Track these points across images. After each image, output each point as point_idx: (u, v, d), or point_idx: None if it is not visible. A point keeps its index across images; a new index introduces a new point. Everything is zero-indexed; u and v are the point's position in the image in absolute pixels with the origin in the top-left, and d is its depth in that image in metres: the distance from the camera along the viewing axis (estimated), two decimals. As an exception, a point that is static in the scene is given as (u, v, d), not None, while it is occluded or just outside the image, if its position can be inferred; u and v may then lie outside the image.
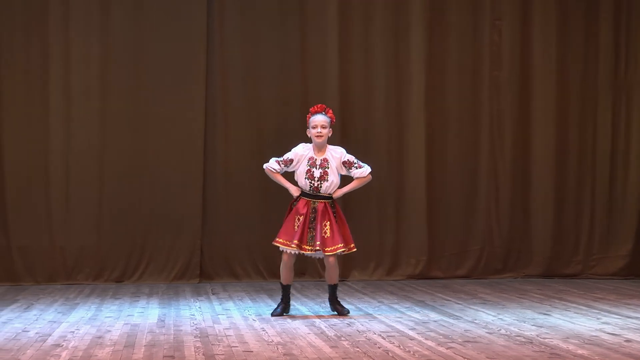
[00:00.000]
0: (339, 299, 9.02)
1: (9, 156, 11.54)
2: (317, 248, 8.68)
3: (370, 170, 8.89)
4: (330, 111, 8.93)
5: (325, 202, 8.78)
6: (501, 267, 12.21)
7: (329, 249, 8.71)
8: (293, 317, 8.72)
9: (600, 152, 12.33)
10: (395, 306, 9.47)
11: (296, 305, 9.51)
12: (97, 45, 11.65)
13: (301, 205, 8.76)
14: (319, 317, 8.74)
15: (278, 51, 11.92)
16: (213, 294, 10.62)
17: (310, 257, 8.96)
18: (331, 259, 8.77)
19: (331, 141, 11.86)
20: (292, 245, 8.69)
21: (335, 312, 8.90)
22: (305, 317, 8.74)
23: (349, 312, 8.90)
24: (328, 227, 8.71)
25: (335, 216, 8.77)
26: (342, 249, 8.75)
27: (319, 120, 8.80)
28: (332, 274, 8.87)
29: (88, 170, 11.66)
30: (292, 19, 11.93)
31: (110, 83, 11.69)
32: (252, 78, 11.90)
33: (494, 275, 12.15)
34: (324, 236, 8.69)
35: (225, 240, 11.82)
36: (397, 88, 12.09)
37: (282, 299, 8.92)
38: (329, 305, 9.03)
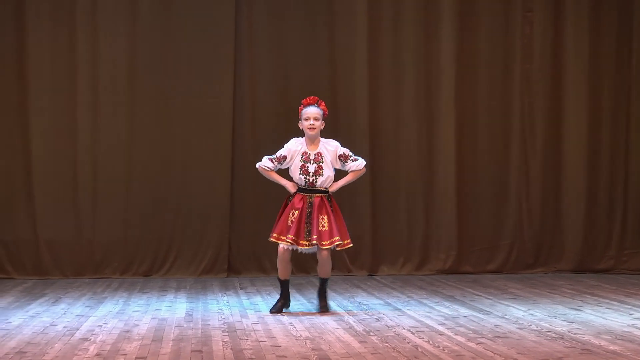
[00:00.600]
0: (326, 295, 8.87)
1: (36, 149, 11.57)
2: (314, 242, 8.54)
3: (365, 163, 8.80)
4: (323, 103, 8.79)
5: (321, 196, 8.66)
6: (532, 262, 12.12)
7: (325, 242, 8.58)
8: (322, 312, 8.66)
9: (633, 145, 12.20)
10: (425, 301, 9.41)
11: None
12: (125, 38, 11.66)
13: (297, 200, 8.64)
14: (348, 312, 8.68)
15: (306, 48, 11.88)
16: (241, 288, 10.60)
17: (304, 252, 8.76)
18: (324, 253, 8.64)
19: (359, 135, 11.88)
20: (288, 240, 8.58)
21: (318, 309, 8.75)
22: (333, 312, 8.68)
23: (329, 309, 8.76)
24: (325, 220, 8.60)
25: (332, 210, 8.66)
26: (339, 242, 8.61)
27: (311, 113, 8.67)
28: (326, 267, 8.74)
29: (116, 164, 11.66)
30: (321, 14, 11.88)
31: (137, 77, 11.70)
32: (281, 73, 11.86)
33: (525, 270, 12.06)
34: (320, 230, 8.57)
35: (253, 234, 11.79)
36: (427, 82, 12.01)
37: (281, 295, 8.80)
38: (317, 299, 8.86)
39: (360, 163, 8.75)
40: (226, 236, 11.77)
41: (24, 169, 11.58)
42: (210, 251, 11.77)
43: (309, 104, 8.73)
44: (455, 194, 12.03)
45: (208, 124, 11.81)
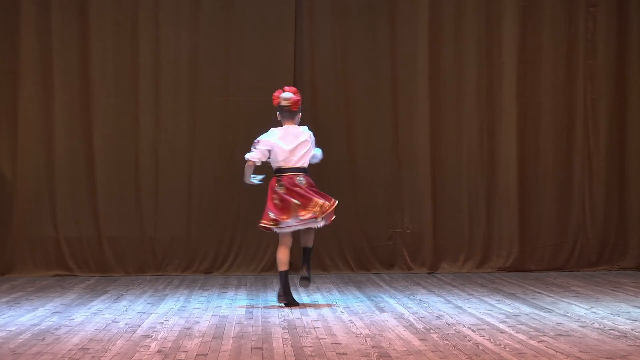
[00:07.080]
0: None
1: (99, 148, 11.68)
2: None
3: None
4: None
5: None
6: (595, 260, 12.00)
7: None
8: (382, 309, 8.64)
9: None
10: (486, 299, 9.35)
11: (384, 298, 9.45)
12: (187, 37, 11.76)
13: None
14: (408, 309, 8.65)
15: (367, 46, 11.87)
16: (301, 286, 10.58)
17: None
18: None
19: (421, 133, 11.82)
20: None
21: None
22: (393, 309, 8.66)
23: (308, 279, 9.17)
24: None
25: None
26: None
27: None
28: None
29: (177, 162, 11.75)
30: (382, 13, 11.85)
31: (199, 75, 11.77)
32: (341, 71, 11.85)
33: (588, 267, 11.94)
34: None
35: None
36: (489, 78, 11.94)
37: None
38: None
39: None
40: (286, 234, 11.78)
41: (87, 167, 11.70)
42: (271, 249, 11.78)
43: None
44: (517, 191, 11.94)
45: (269, 122, 11.81)
